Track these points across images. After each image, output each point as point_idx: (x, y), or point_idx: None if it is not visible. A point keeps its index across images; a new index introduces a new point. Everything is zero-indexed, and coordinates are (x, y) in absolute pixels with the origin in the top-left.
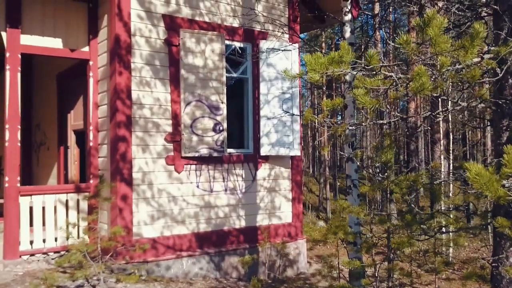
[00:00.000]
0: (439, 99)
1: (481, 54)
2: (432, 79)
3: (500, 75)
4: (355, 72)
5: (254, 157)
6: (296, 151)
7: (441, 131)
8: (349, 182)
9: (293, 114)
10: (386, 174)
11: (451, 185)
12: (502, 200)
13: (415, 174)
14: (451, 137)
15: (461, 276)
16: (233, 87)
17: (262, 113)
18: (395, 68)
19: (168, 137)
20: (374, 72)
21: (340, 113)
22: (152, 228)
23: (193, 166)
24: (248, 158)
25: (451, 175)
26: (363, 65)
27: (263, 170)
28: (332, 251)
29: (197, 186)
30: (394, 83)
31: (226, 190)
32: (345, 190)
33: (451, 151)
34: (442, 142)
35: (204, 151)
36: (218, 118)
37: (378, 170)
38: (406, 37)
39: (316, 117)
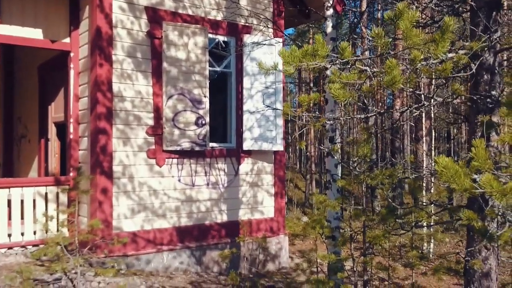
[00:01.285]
0: (422, 96)
1: (456, 49)
2: (407, 73)
3: (473, 70)
4: (329, 66)
5: (236, 152)
6: (279, 146)
7: (424, 128)
8: (329, 177)
9: (274, 109)
10: (362, 168)
11: (432, 181)
12: (469, 192)
13: (391, 169)
14: (433, 134)
15: (431, 269)
16: (216, 81)
17: (245, 107)
18: (369, 61)
19: (149, 130)
20: (350, 66)
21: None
22: (132, 222)
23: (175, 160)
24: (230, 153)
25: (427, 170)
26: (338, 58)
27: (246, 165)
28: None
29: (179, 180)
30: (369, 77)
31: (208, 184)
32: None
33: (433, 148)
34: (425, 139)
35: (186, 145)
36: (201, 112)
37: (355, 165)
38: (378, 30)
39: (294, 110)
